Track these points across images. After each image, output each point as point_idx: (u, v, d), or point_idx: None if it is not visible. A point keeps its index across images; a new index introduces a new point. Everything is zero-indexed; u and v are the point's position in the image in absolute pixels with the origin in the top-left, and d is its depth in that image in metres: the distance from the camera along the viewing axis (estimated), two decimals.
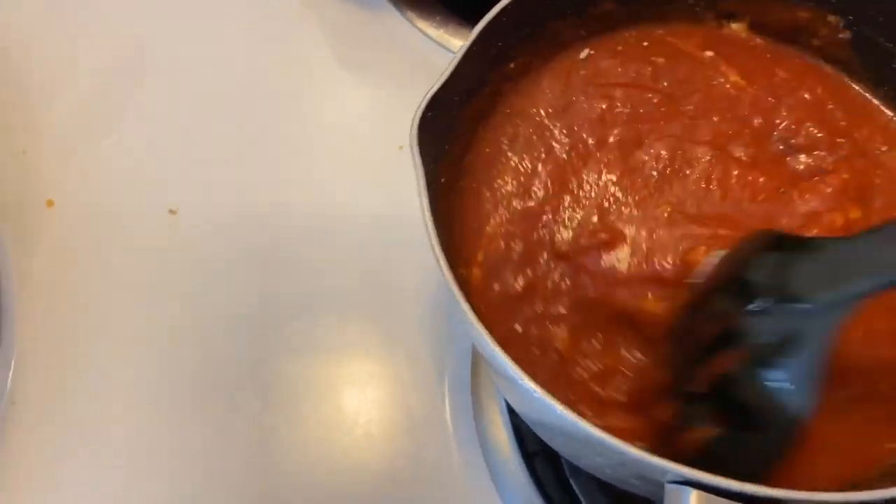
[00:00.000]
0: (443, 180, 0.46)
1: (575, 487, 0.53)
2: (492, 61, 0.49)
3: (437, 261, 0.39)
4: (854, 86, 0.53)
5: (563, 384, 0.44)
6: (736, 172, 0.49)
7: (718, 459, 0.40)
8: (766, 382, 0.39)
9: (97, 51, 0.72)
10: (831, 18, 0.52)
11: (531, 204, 0.48)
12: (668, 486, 0.36)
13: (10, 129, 0.68)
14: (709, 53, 0.53)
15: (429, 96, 0.42)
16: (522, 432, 0.55)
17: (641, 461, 0.35)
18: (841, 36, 0.52)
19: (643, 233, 0.47)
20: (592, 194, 0.49)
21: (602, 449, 0.36)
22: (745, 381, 0.39)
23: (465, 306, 0.38)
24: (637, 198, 0.48)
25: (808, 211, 0.48)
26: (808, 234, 0.46)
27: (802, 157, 0.50)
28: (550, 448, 0.52)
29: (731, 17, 0.55)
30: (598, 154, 0.49)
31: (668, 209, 0.48)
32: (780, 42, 0.54)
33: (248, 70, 0.72)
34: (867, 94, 0.53)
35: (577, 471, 0.53)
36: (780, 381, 0.38)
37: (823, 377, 0.39)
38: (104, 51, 0.72)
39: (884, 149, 0.51)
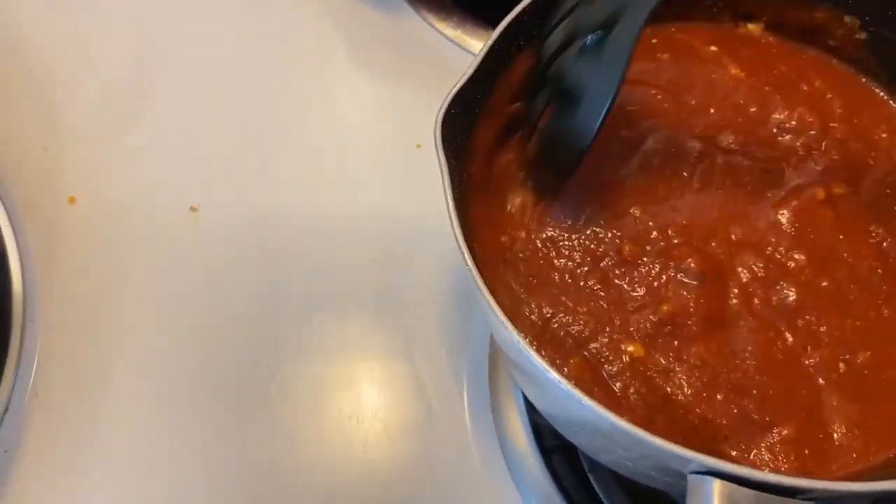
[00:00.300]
0: (464, 176, 0.46)
1: (593, 482, 0.53)
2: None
3: (462, 253, 0.40)
4: (864, 80, 0.54)
5: None
6: (720, 161, 0.50)
7: (553, 143, 0.46)
8: (586, 63, 0.44)
9: (115, 47, 0.73)
10: (848, 19, 0.52)
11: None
12: (691, 477, 0.36)
13: (31, 126, 0.69)
14: (713, 48, 0.54)
15: (453, 93, 0.43)
16: (540, 428, 0.56)
17: (665, 451, 0.35)
18: (857, 36, 0.53)
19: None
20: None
21: (626, 440, 0.36)
22: (571, 66, 0.45)
23: (489, 298, 0.39)
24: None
25: (793, 186, 0.49)
26: (787, 207, 0.49)
27: (789, 138, 0.51)
28: (569, 443, 0.52)
29: (749, 18, 0.55)
30: None
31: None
32: (794, 41, 0.55)
33: (265, 71, 0.72)
34: (877, 90, 0.54)
35: (595, 466, 0.53)
36: (597, 60, 0.44)
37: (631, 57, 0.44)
38: (123, 47, 0.73)
39: (884, 135, 0.52)
